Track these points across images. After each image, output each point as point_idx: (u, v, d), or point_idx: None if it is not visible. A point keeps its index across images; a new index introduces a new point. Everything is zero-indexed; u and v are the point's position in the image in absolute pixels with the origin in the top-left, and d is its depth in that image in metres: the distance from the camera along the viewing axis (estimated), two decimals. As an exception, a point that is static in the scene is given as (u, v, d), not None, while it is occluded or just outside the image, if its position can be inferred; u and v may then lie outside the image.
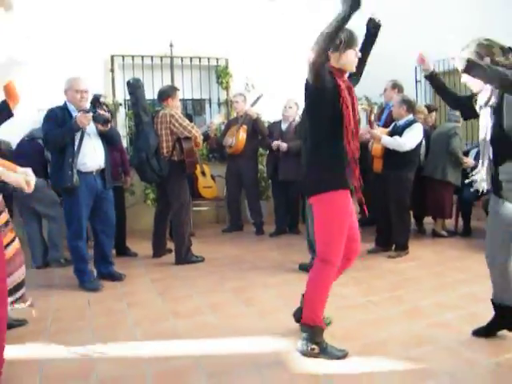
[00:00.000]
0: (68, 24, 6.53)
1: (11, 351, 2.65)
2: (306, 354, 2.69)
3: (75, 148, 4.00)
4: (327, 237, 2.68)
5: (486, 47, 2.54)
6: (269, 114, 6.83)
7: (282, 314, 3.35)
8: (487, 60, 2.47)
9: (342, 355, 2.68)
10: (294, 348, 2.78)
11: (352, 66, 2.71)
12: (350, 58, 2.65)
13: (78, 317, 3.47)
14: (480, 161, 2.70)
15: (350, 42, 2.61)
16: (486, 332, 2.85)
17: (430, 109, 6.19)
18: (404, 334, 2.98)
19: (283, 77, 7.27)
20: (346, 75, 2.76)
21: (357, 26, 2.62)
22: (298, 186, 5.57)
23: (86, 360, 2.75)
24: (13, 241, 2.97)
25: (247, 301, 3.72)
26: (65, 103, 4.13)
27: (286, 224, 6.32)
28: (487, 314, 2.87)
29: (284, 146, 5.90)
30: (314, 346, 2.68)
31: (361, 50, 2.81)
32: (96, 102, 4.15)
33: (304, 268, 4.43)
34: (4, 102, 3.44)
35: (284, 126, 6.17)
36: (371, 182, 5.81)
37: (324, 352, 2.68)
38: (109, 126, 4.18)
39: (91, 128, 4.13)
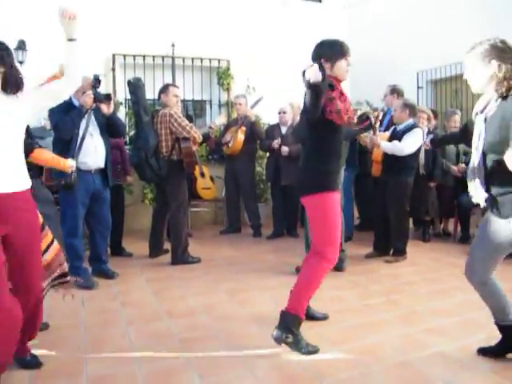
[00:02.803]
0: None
1: None
2: (280, 341, 2.76)
3: (77, 146, 4.01)
4: (324, 235, 2.79)
5: (500, 50, 2.29)
6: (269, 116, 6.83)
7: (276, 317, 3.31)
8: (494, 64, 2.28)
9: (313, 351, 2.74)
10: (288, 350, 2.75)
11: (343, 76, 2.88)
12: (342, 69, 2.85)
13: (71, 314, 3.45)
14: (470, 172, 2.47)
15: (339, 54, 2.83)
16: (493, 353, 2.67)
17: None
18: (399, 339, 2.96)
19: (284, 79, 7.28)
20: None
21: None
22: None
23: (77, 358, 2.72)
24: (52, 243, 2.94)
25: (242, 302, 3.69)
26: (70, 98, 4.12)
27: (284, 227, 6.30)
28: (482, 321, 2.86)
29: (286, 149, 5.89)
30: (289, 335, 2.75)
31: None
32: (96, 82, 4.18)
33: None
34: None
35: (284, 130, 6.16)
36: (369, 187, 5.82)
37: (297, 343, 2.75)
38: (111, 104, 4.21)
39: (94, 127, 4.15)
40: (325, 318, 3.29)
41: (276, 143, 5.98)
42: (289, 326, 2.76)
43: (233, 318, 3.35)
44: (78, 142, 4.02)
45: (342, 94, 2.80)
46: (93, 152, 4.13)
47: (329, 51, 2.85)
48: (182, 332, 3.12)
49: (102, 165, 4.21)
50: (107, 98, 4.17)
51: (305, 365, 2.63)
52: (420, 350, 2.80)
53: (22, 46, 6.24)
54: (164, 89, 5.00)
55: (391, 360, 2.67)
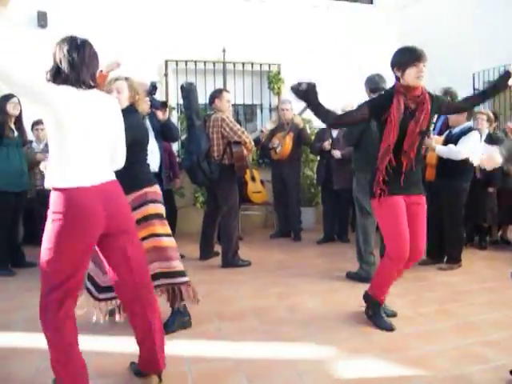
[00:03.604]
0: (124, 30, 6.75)
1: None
2: (366, 314, 3.33)
3: None
4: (388, 236, 3.13)
5: None
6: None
7: (326, 322, 3.31)
8: None
9: (390, 329, 3.15)
10: (337, 356, 2.72)
11: (414, 83, 2.96)
12: (410, 76, 2.94)
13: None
14: None
15: (408, 61, 2.94)
16: None
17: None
18: (455, 351, 2.85)
19: (335, 82, 7.22)
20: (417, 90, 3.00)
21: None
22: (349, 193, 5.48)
23: (127, 356, 2.78)
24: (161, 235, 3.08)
25: (291, 307, 3.68)
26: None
27: (334, 232, 6.24)
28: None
29: (337, 153, 5.83)
30: (370, 311, 3.30)
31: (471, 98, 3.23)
32: (153, 89, 4.29)
33: (351, 277, 4.37)
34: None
35: (335, 133, 6.10)
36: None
37: (376, 317, 3.25)
38: (167, 111, 4.31)
39: (149, 132, 4.22)
40: (393, 315, 3.44)
41: (327, 144, 5.93)
42: (370, 304, 3.31)
43: (282, 322, 3.35)
44: None
45: (422, 102, 2.97)
46: (148, 156, 4.22)
47: (399, 59, 3.00)
48: (231, 334, 3.14)
49: (156, 169, 4.32)
50: (163, 105, 4.27)
51: (353, 371, 2.59)
52: (478, 363, 2.67)
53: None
54: (218, 94, 5.04)
55: (446, 373, 2.57)
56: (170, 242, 3.14)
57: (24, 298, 3.99)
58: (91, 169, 2.23)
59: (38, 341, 2.60)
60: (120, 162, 2.49)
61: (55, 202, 2.16)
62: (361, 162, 4.33)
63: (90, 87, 2.28)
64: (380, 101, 3.11)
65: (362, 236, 4.35)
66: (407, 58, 2.95)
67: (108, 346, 2.97)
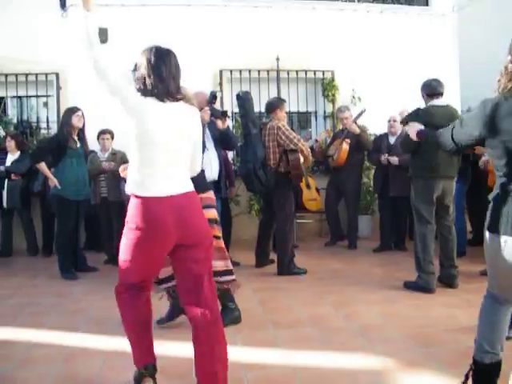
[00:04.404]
0: (179, 40, 6.87)
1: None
2: None
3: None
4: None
5: None
6: (376, 126, 6.70)
7: (384, 332, 3.24)
8: None
9: None
10: (393, 367, 2.67)
11: None
12: None
13: (180, 320, 3.53)
14: None
15: None
16: None
17: None
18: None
19: (390, 88, 7.12)
20: None
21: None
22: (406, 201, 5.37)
23: (188, 361, 2.82)
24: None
25: (348, 316, 3.64)
26: None
27: (391, 240, 6.12)
28: None
29: (395, 159, 5.72)
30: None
31: None
32: (213, 98, 4.35)
33: (410, 286, 4.26)
34: None
35: (392, 140, 6.00)
36: (483, 199, 5.44)
37: None
38: (227, 120, 4.38)
39: (208, 140, 4.32)
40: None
41: (384, 159, 5.83)
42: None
43: (339, 332, 3.32)
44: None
45: None
46: (208, 164, 4.28)
47: None
48: (287, 342, 3.14)
49: (216, 177, 4.40)
50: (223, 114, 4.33)
51: (410, 383, 2.52)
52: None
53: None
54: (280, 104, 5.10)
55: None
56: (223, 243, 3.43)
57: (87, 300, 4.15)
58: (168, 180, 2.28)
59: (101, 342, 2.72)
60: (197, 170, 2.57)
61: (131, 208, 2.27)
62: (418, 169, 4.24)
63: (176, 100, 2.32)
64: None
65: (420, 245, 4.25)
66: None
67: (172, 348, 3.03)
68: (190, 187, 2.37)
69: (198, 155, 2.52)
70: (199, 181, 3.25)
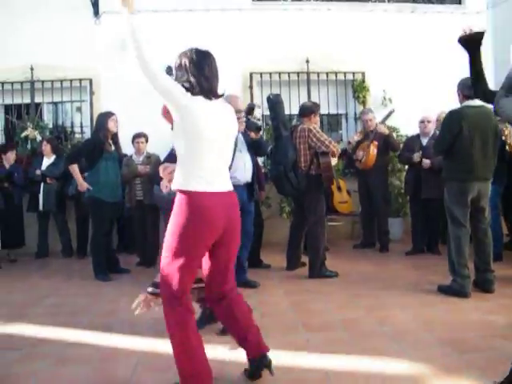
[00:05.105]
0: (210, 43, 6.91)
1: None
2: None
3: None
4: None
5: None
6: (407, 127, 6.61)
7: (418, 337, 3.18)
8: None
9: None
10: (428, 373, 2.62)
11: None
12: None
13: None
14: None
15: None
16: None
17: None
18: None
19: (422, 89, 7.01)
20: None
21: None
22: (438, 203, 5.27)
23: (221, 363, 2.84)
24: None
25: (381, 320, 3.59)
26: None
27: (423, 243, 6.01)
28: None
29: (427, 162, 5.63)
30: None
31: None
32: (250, 110, 4.47)
33: (444, 290, 4.18)
34: None
35: (424, 141, 5.89)
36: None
37: None
38: (260, 133, 4.48)
39: (242, 144, 4.40)
40: None
41: (417, 156, 5.74)
42: None
43: (372, 336, 3.27)
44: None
45: None
46: (242, 167, 4.38)
47: None
48: (319, 346, 3.12)
49: (249, 179, 4.47)
50: (257, 129, 4.48)
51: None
52: None
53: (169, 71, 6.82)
54: (316, 108, 5.13)
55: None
56: None
57: (120, 302, 4.22)
58: (217, 176, 2.40)
59: (134, 343, 2.75)
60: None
61: (181, 204, 2.32)
62: (451, 171, 4.16)
63: (218, 96, 2.44)
64: None
65: (454, 248, 4.16)
66: None
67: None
68: (232, 186, 2.49)
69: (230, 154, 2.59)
70: None
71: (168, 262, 2.36)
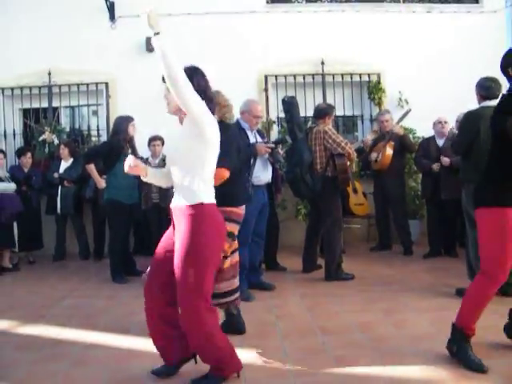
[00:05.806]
0: (224, 46, 7.00)
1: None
2: (448, 349, 2.82)
3: (251, 162, 4.37)
4: (489, 251, 2.74)
5: None
6: (423, 129, 6.55)
7: (435, 341, 3.13)
8: None
9: (481, 370, 2.63)
10: (447, 377, 2.59)
11: None
12: None
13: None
14: None
15: None
16: None
17: None
18: None
19: (438, 90, 6.93)
20: None
21: None
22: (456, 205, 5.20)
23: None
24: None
25: (398, 323, 3.56)
26: (237, 121, 4.40)
27: (441, 245, 5.94)
28: None
29: (446, 160, 5.52)
30: (455, 347, 2.76)
31: None
32: (278, 143, 4.88)
33: (462, 293, 4.11)
34: None
35: (441, 142, 5.82)
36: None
37: (463, 356, 2.71)
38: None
39: None
40: None
41: (436, 167, 5.65)
42: (454, 338, 2.79)
43: (388, 339, 3.25)
44: (252, 160, 4.36)
45: None
46: (264, 168, 4.48)
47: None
48: (335, 349, 3.10)
49: (269, 180, 4.59)
50: (277, 162, 4.83)
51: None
52: None
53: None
54: (331, 111, 5.12)
55: None
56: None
57: (136, 304, 4.19)
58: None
59: (150, 345, 2.76)
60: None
61: (206, 216, 2.45)
62: (469, 172, 4.10)
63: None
64: None
65: (473, 250, 4.10)
66: None
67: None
68: None
69: None
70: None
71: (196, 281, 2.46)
